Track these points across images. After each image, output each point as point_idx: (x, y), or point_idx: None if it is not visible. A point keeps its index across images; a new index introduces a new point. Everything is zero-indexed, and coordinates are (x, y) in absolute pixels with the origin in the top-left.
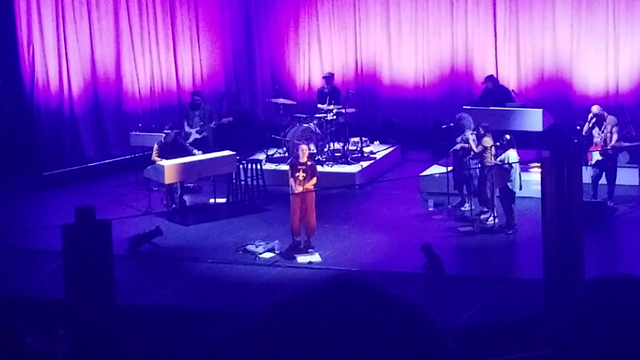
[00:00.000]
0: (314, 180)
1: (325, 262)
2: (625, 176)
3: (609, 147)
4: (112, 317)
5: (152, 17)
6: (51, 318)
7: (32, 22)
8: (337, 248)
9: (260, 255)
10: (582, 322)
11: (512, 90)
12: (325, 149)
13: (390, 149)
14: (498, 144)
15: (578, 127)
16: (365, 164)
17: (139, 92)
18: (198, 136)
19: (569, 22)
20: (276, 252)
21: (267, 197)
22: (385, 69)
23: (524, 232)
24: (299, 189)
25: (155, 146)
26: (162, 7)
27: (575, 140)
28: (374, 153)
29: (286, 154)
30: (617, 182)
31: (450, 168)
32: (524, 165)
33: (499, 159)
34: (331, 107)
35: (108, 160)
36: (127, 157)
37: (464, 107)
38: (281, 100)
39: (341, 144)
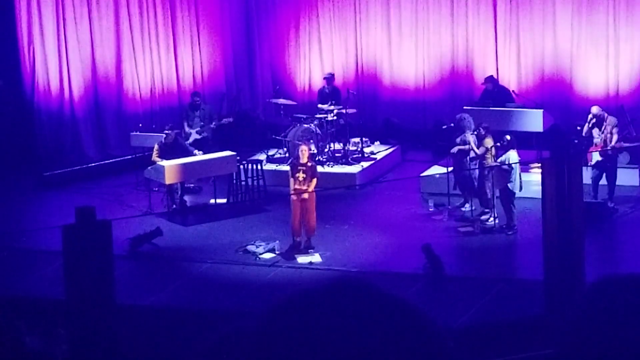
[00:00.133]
0: (315, 182)
1: (326, 262)
2: (626, 177)
3: (608, 148)
4: (112, 317)
5: (152, 18)
6: (51, 318)
7: (33, 22)
8: (337, 248)
9: (261, 256)
10: (587, 322)
11: (513, 91)
12: (326, 150)
13: (391, 150)
14: (499, 144)
15: (578, 128)
16: (365, 164)
17: (140, 92)
18: (198, 136)
19: (569, 22)
20: (276, 252)
21: (267, 197)
22: (385, 70)
23: (524, 233)
24: (302, 188)
25: (156, 146)
26: (163, 8)
27: (576, 141)
28: (375, 153)
29: (286, 155)
30: (617, 183)
31: (450, 169)
32: (525, 165)
33: (499, 159)
34: (332, 107)
35: (108, 161)
36: (128, 157)
37: (464, 107)
38: (281, 101)
39: (341, 145)
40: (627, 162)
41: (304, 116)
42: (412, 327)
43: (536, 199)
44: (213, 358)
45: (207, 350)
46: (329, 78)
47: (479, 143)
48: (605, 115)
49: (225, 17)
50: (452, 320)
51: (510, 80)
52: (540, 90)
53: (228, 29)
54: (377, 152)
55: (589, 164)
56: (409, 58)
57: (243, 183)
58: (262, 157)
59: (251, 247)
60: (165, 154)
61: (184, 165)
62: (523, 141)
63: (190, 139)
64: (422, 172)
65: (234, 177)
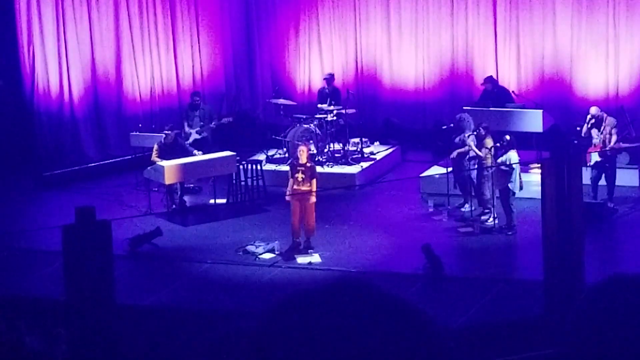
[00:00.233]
0: (314, 182)
1: (325, 262)
2: (625, 177)
3: (607, 149)
4: (112, 317)
5: (152, 18)
6: (51, 318)
7: (32, 22)
8: (337, 249)
9: (260, 256)
10: (588, 322)
11: (512, 91)
12: (326, 150)
13: (391, 150)
14: (498, 144)
15: (578, 128)
16: (365, 164)
17: (139, 92)
18: (198, 137)
19: (569, 23)
20: (276, 252)
21: (267, 197)
22: (385, 70)
23: (524, 233)
24: (301, 189)
25: (156, 147)
26: (163, 8)
27: (575, 142)
28: (374, 154)
29: (286, 155)
30: (617, 183)
31: (450, 169)
32: (524, 166)
33: (500, 160)
34: (331, 107)
35: (108, 161)
36: (127, 157)
37: (464, 107)
38: (281, 101)
39: (341, 145)
40: (626, 163)
41: (304, 116)
42: (412, 327)
43: (536, 199)
44: (213, 358)
45: (207, 350)
46: (329, 78)
47: (479, 143)
48: (604, 115)
49: (225, 17)
50: (452, 320)
51: (510, 80)
52: (540, 90)
53: (228, 29)
54: (377, 153)
55: (587, 165)
56: (408, 58)
57: (243, 183)
58: (262, 157)
59: (251, 248)
60: (165, 154)
61: (184, 165)
62: (523, 141)
63: (190, 139)
64: (421, 173)
65: (234, 178)
